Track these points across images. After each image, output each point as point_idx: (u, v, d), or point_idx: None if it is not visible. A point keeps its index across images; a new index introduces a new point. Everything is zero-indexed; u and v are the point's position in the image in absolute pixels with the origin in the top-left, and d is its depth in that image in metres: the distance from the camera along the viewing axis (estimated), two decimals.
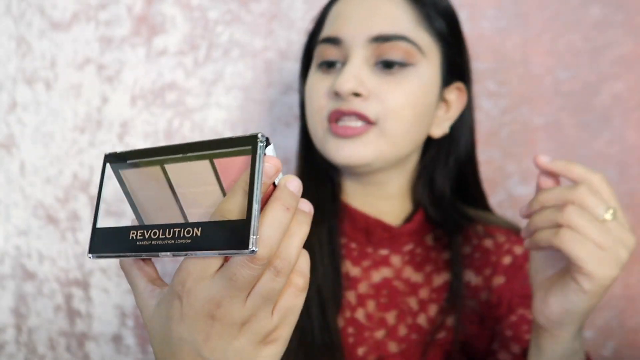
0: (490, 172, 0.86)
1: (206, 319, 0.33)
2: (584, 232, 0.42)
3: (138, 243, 0.34)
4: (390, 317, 0.61)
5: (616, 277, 0.43)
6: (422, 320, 0.61)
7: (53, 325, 0.96)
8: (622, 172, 0.82)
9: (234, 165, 0.32)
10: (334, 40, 0.60)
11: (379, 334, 0.61)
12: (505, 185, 0.85)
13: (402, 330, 0.61)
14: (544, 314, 0.47)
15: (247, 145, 0.32)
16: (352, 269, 0.63)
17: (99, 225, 0.38)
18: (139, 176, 0.36)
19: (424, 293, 0.62)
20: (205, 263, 0.32)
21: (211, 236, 0.31)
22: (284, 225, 0.32)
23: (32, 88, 0.95)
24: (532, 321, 0.59)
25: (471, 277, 0.63)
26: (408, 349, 0.60)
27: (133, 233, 0.35)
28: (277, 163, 0.33)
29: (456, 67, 0.64)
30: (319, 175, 0.67)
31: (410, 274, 0.63)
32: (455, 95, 0.65)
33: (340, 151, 0.58)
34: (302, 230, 0.34)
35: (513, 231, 0.67)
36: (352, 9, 0.60)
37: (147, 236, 0.34)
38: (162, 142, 0.92)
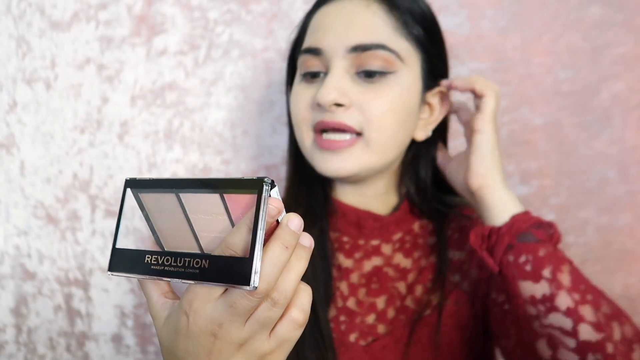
0: None
1: (209, 336, 0.37)
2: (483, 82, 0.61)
3: (152, 267, 0.39)
4: (380, 302, 0.64)
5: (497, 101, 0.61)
6: (409, 301, 0.64)
7: (53, 325, 0.96)
8: (622, 172, 0.82)
9: (242, 201, 0.36)
10: (314, 51, 0.62)
11: (370, 318, 0.63)
12: None
13: (391, 313, 0.63)
14: (473, 175, 0.60)
15: (253, 187, 0.35)
16: (344, 261, 0.66)
17: (118, 245, 0.42)
18: (156, 200, 0.41)
19: (411, 277, 0.65)
20: (211, 288, 0.37)
21: (217, 269, 0.35)
22: (282, 263, 0.36)
23: (32, 88, 0.95)
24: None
25: (454, 254, 0.67)
26: (396, 329, 0.62)
27: (148, 257, 0.39)
28: (279, 205, 0.36)
29: (437, 70, 0.65)
30: (310, 177, 0.69)
31: (400, 259, 0.66)
32: (438, 99, 0.67)
33: (327, 164, 0.61)
34: (300, 264, 0.37)
35: None
36: (331, 19, 0.61)
37: (160, 262, 0.38)
38: (162, 142, 0.92)
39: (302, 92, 0.63)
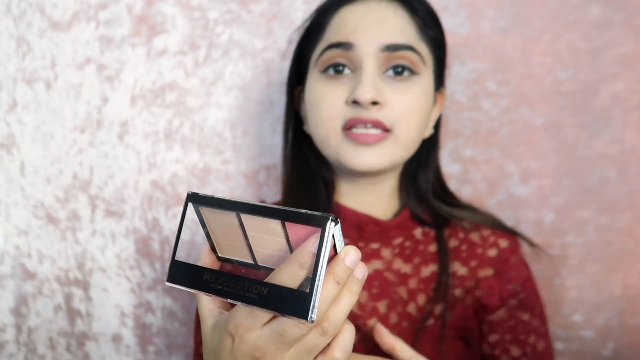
0: (490, 172, 0.86)
1: None
2: None
3: (211, 285, 0.40)
4: (382, 306, 0.64)
5: None
6: (411, 308, 0.64)
7: (53, 325, 0.96)
8: (622, 172, 0.82)
9: (303, 231, 0.38)
10: (345, 46, 0.62)
11: (371, 322, 0.63)
12: (505, 185, 0.85)
13: (393, 318, 0.64)
14: None
15: (317, 224, 0.37)
16: None
17: (177, 257, 0.43)
18: (216, 215, 0.41)
19: (413, 283, 0.66)
20: (257, 316, 0.38)
21: (275, 298, 0.37)
22: (333, 296, 0.38)
23: (32, 88, 0.95)
24: (528, 323, 0.65)
25: (458, 268, 0.67)
26: (400, 336, 0.62)
27: (207, 275, 0.41)
28: (353, 254, 0.39)
29: (443, 72, 0.69)
30: (311, 178, 0.70)
31: (400, 265, 0.66)
32: (440, 96, 0.70)
33: (360, 157, 0.62)
34: (351, 298, 0.39)
35: (498, 227, 0.71)
36: (360, 18, 0.63)
37: (219, 281, 0.40)
38: (162, 142, 0.92)
39: (329, 89, 0.63)
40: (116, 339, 0.95)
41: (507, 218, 0.84)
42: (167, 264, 0.92)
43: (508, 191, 0.85)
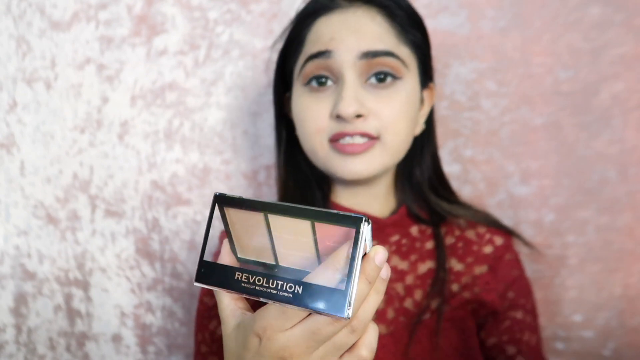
0: (490, 172, 0.86)
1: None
2: None
3: (243, 284, 0.40)
4: None
5: None
6: (408, 304, 0.65)
7: (53, 325, 0.96)
8: (622, 172, 0.82)
9: (333, 232, 0.38)
10: (325, 54, 0.62)
11: None
12: (505, 185, 0.85)
13: (390, 314, 0.64)
14: None
15: (350, 225, 0.37)
16: None
17: (205, 258, 0.43)
18: (241, 215, 0.41)
19: (409, 279, 0.66)
20: (290, 315, 0.38)
21: (311, 296, 0.37)
22: (365, 295, 0.39)
23: (32, 88, 0.95)
24: (522, 321, 0.67)
25: (454, 264, 0.68)
26: (397, 330, 0.63)
27: (238, 275, 0.40)
28: (381, 254, 0.39)
29: (429, 69, 0.69)
30: (306, 181, 0.71)
31: (397, 262, 0.67)
32: (428, 93, 0.70)
33: (348, 167, 0.62)
34: (378, 297, 0.40)
35: (493, 225, 0.72)
36: (337, 28, 0.62)
37: (251, 280, 0.40)
38: (162, 142, 0.92)
39: (313, 103, 0.63)
40: (116, 339, 0.95)
41: (507, 218, 0.84)
42: (167, 264, 0.92)
43: (508, 191, 0.85)
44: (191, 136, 0.91)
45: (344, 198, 0.69)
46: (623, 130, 0.81)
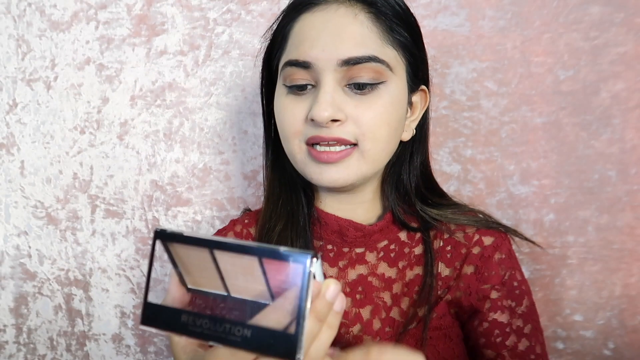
0: (490, 172, 0.86)
1: None
2: None
3: (189, 328, 0.38)
4: (365, 312, 0.63)
5: None
6: (395, 313, 0.63)
7: (53, 325, 0.96)
8: (622, 172, 0.82)
9: (282, 267, 0.36)
10: (303, 64, 0.60)
11: (355, 329, 0.63)
12: (505, 185, 0.85)
13: (376, 324, 0.63)
14: None
15: (298, 262, 0.36)
16: (329, 270, 0.66)
17: (150, 299, 0.41)
18: (186, 250, 0.40)
19: (397, 288, 0.64)
20: (240, 357, 0.37)
21: (259, 340, 0.36)
22: (316, 333, 0.38)
23: (32, 88, 0.95)
24: (502, 324, 0.63)
25: (442, 269, 0.65)
26: (383, 342, 0.62)
27: (185, 317, 0.39)
28: (318, 286, 0.38)
29: (420, 72, 0.65)
30: (291, 185, 0.69)
31: (385, 269, 0.65)
32: (419, 97, 0.67)
33: (323, 175, 0.60)
34: (330, 332, 0.39)
35: (482, 226, 0.68)
36: (317, 31, 0.59)
37: (198, 324, 0.38)
38: (162, 142, 0.92)
39: (291, 105, 0.61)
40: (116, 339, 0.95)
41: (507, 218, 0.84)
42: (167, 264, 0.92)
43: (508, 191, 0.85)
44: (191, 136, 0.91)
45: (328, 204, 0.67)
46: (623, 130, 0.81)
